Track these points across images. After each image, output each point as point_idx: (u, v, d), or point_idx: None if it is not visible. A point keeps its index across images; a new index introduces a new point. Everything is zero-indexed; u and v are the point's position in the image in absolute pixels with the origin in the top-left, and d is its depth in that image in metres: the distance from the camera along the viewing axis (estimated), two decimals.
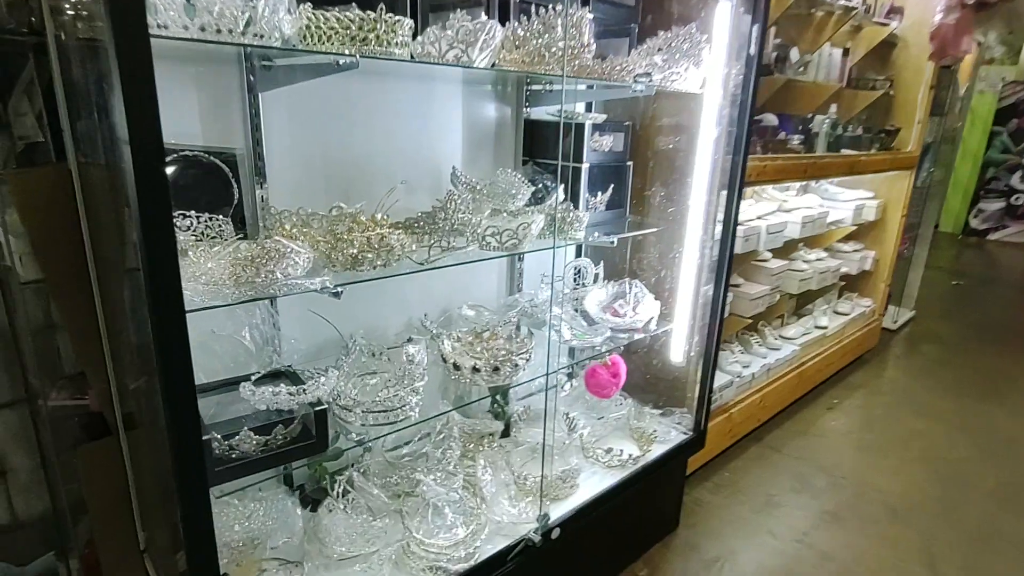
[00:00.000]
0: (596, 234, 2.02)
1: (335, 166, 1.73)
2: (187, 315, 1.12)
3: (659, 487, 2.27)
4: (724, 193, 2.13)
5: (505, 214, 1.83)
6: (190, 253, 1.18)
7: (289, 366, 1.48)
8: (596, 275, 2.30)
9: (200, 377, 1.53)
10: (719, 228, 2.23)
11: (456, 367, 1.65)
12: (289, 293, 1.19)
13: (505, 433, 2.21)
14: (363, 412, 1.42)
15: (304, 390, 1.27)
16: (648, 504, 2.26)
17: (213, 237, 1.38)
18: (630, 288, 2.21)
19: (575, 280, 2.31)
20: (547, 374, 1.79)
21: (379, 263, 1.39)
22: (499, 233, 1.63)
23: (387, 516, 1.67)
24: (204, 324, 1.47)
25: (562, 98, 1.70)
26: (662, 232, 2.30)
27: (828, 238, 3.95)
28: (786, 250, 3.45)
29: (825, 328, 3.79)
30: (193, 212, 1.34)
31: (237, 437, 1.20)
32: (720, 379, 2.90)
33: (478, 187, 1.73)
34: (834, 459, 3.03)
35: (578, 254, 2.44)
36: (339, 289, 1.30)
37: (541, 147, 2.16)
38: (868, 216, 4.00)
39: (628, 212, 2.28)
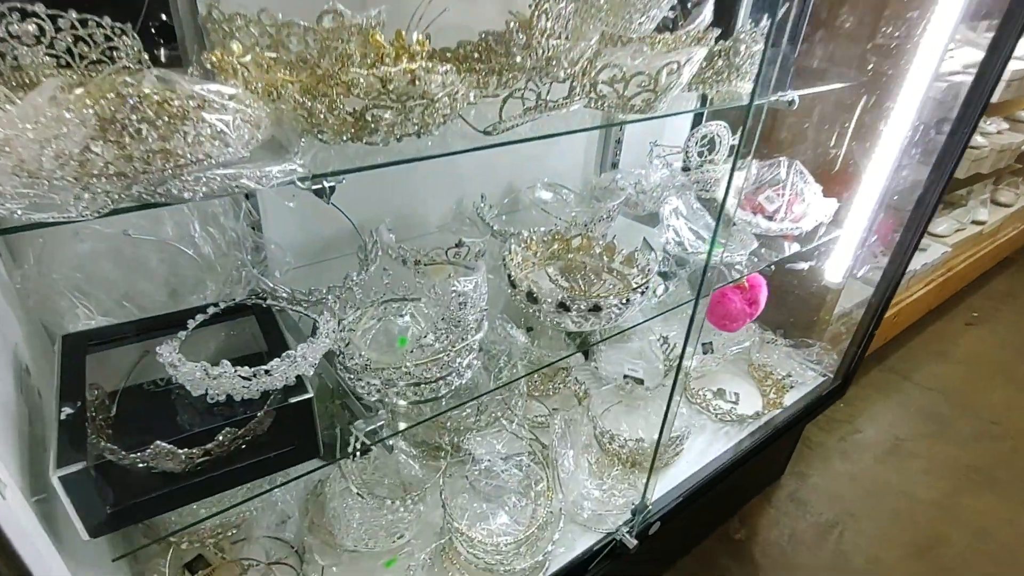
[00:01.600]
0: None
1: None
2: None
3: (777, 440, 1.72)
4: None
5: (622, 44, 1.07)
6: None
7: (259, 297, 0.89)
8: (732, 148, 1.56)
9: (130, 311, 0.97)
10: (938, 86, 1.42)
11: (532, 298, 1.04)
12: (211, 196, 0.55)
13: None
14: (382, 384, 0.85)
15: (267, 371, 0.68)
16: (758, 460, 1.73)
17: (96, 61, 0.73)
18: (787, 171, 1.48)
19: (700, 155, 1.58)
20: (692, 312, 1.15)
21: (407, 129, 0.72)
22: (624, 79, 0.91)
23: (421, 495, 1.17)
24: (115, 222, 0.87)
25: None
26: (848, 87, 1.49)
27: (1015, 105, 2.95)
28: None
29: (983, 223, 2.96)
30: (41, 8, 0.67)
31: (147, 451, 0.65)
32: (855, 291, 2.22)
33: None
34: (980, 395, 2.41)
35: (696, 121, 1.68)
36: (326, 184, 0.65)
37: None
38: None
39: (795, 50, 1.47)
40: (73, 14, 0.69)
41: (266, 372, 0.68)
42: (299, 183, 0.60)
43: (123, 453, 0.65)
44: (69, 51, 0.70)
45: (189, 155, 0.52)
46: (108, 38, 0.73)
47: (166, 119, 0.48)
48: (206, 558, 1.14)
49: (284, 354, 0.69)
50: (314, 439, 0.76)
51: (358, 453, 0.84)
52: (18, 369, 0.76)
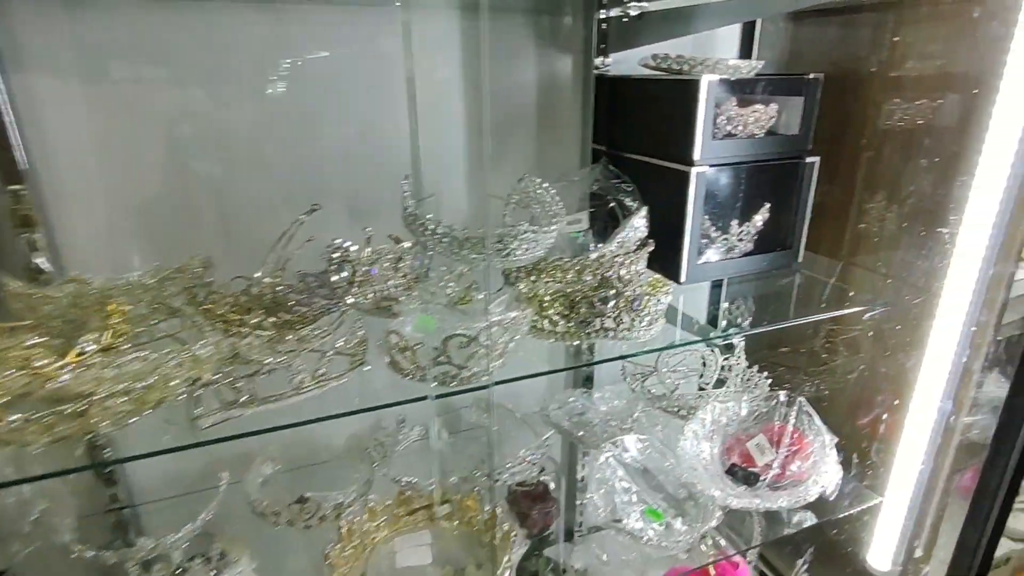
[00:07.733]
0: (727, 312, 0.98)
1: (202, 180, 0.96)
2: None
3: None
4: None
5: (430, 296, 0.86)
6: None
7: None
8: (719, 377, 1.19)
9: None
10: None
11: None
12: None
13: None
14: None
15: None
16: None
17: None
18: (788, 411, 1.11)
19: (680, 383, 1.25)
20: None
21: (67, 433, 0.58)
22: (407, 347, 0.72)
23: None
24: None
25: None
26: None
27: None
28: None
29: None
30: None
31: None
32: None
33: (434, 229, 0.83)
34: None
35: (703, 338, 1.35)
36: None
37: (629, 129, 1.15)
38: None
39: (800, 255, 1.14)
40: None
41: None
42: None
43: None
44: None
45: None
46: None
47: None
48: None
49: None
50: None
51: None
52: None
